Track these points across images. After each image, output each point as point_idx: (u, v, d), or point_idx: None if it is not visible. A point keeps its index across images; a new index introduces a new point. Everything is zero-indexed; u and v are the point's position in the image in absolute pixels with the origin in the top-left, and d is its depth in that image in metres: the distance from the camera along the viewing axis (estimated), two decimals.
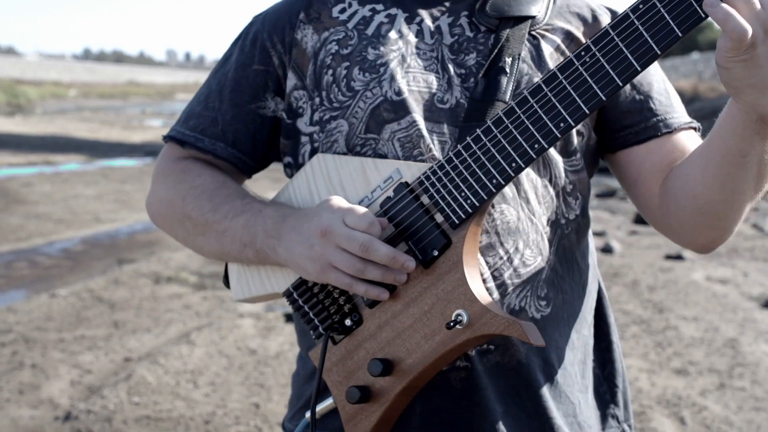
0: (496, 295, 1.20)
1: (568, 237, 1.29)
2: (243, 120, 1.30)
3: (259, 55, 1.29)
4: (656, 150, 1.26)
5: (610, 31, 1.02)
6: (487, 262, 1.19)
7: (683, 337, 5.35)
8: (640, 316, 5.82)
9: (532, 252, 1.23)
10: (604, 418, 1.35)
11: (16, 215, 9.44)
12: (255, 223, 1.20)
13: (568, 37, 1.27)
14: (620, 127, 1.28)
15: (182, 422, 3.76)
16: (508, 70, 1.18)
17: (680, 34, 0.99)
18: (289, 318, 5.53)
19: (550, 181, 1.24)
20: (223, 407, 3.95)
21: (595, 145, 1.31)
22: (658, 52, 1.01)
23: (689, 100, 22.53)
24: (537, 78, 1.19)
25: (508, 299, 1.21)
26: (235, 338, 5.02)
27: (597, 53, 1.03)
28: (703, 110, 21.03)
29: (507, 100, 1.17)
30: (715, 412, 4.08)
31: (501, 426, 1.21)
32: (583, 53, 1.04)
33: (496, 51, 1.19)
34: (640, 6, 1.01)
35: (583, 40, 1.26)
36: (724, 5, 0.93)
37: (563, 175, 1.25)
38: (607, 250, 8.18)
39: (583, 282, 1.33)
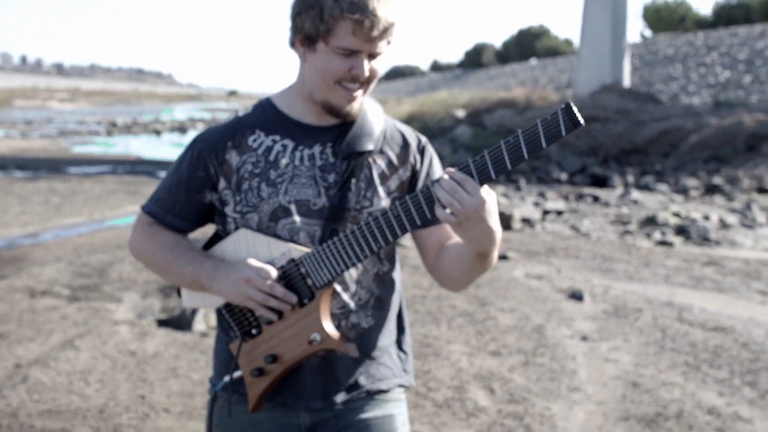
0: (344, 318, 2.07)
1: (385, 279, 2.16)
2: (192, 206, 2.09)
3: (202, 165, 2.06)
4: (434, 233, 2.11)
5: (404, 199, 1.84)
6: (343, 298, 2.07)
7: (500, 325, 6.40)
8: (466, 309, 6.85)
9: (366, 293, 2.12)
10: (401, 370, 2.24)
11: None
12: (199, 271, 2.02)
13: (389, 163, 2.09)
14: None
15: (80, 413, 4.44)
16: (353, 189, 2.01)
17: (418, 224, 1.85)
18: (160, 324, 6.23)
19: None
20: (113, 399, 4.65)
21: None
22: (418, 223, 1.84)
23: (523, 110, 24.21)
24: (369, 192, 2.03)
25: (351, 318, 2.09)
26: (115, 342, 5.69)
27: (409, 202, 1.84)
28: (534, 118, 22.73)
29: (351, 208, 2.00)
30: (519, 383, 5.10)
31: (330, 379, 2.09)
32: (397, 202, 1.85)
33: (346, 176, 2.01)
34: (405, 198, 1.83)
35: (397, 164, 2.08)
36: (439, 209, 1.76)
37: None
38: None
39: (393, 300, 2.22)
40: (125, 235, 10.07)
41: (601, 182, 17.21)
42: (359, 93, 1.98)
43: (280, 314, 1.99)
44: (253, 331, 2.04)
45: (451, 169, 1.76)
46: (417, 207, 1.83)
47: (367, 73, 1.93)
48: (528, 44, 66.93)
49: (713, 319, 6.66)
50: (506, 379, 5.18)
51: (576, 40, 54.31)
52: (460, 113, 24.48)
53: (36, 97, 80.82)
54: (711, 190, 15.72)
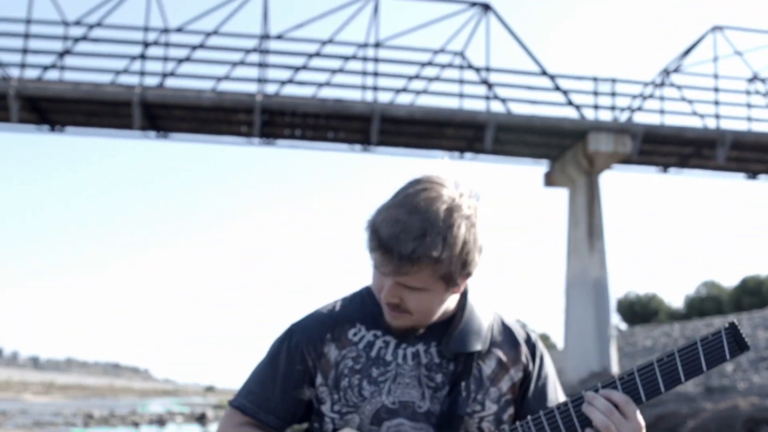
0: None
1: None
2: (288, 402, 1.86)
3: (300, 358, 1.85)
4: None
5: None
6: None
7: None
8: None
9: None
10: None
11: None
12: None
13: (499, 363, 1.86)
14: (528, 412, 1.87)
15: None
16: (463, 392, 1.78)
17: None
18: None
19: None
20: None
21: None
22: None
23: None
24: (480, 395, 1.81)
25: None
26: None
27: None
28: None
29: (464, 414, 1.77)
30: None
31: None
32: (542, 413, 1.69)
33: (455, 378, 1.80)
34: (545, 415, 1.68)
35: (508, 364, 1.87)
36: None
37: None
38: None
39: None
40: None
41: None
42: (398, 316, 1.80)
43: None
44: None
45: (603, 391, 1.66)
46: (567, 422, 1.69)
47: (392, 299, 1.76)
48: None
49: None
50: None
51: (553, 336, 54.92)
52: None
53: (10, 389, 79.30)
54: None
